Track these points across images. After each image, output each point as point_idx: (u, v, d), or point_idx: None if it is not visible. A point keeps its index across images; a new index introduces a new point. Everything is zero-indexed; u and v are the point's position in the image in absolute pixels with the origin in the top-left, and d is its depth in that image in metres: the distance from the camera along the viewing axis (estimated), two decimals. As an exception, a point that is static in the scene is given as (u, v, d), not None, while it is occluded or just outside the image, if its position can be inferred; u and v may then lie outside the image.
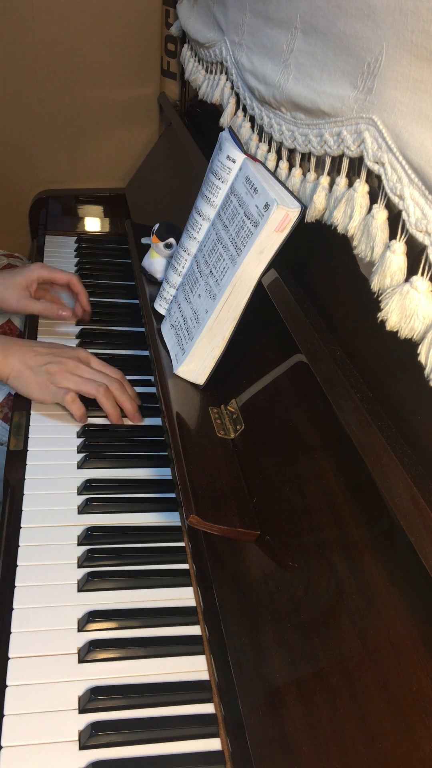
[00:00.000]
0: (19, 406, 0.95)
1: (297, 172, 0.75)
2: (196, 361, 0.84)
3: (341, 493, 0.60)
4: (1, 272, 1.09)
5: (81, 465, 0.87)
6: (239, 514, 0.68)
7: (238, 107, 0.97)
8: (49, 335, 1.12)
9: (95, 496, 0.82)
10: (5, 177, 1.56)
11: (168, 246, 1.02)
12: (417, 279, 0.50)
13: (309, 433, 0.67)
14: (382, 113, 0.54)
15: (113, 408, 0.92)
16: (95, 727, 0.59)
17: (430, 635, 0.47)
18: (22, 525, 0.78)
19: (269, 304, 0.75)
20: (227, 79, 1.00)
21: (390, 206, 0.54)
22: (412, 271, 0.52)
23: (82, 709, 0.61)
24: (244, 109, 0.93)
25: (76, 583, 0.72)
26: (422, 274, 0.49)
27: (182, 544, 0.79)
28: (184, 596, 0.73)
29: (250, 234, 0.73)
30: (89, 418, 0.95)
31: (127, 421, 0.95)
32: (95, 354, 1.08)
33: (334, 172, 0.65)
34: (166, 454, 0.91)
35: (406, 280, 0.51)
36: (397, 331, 0.51)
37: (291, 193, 0.72)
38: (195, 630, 0.69)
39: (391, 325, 0.52)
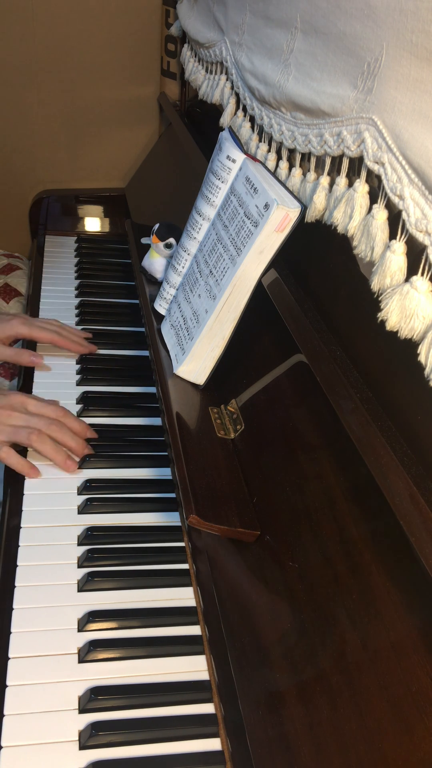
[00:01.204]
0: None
1: (297, 172, 0.75)
2: (196, 361, 0.84)
3: (341, 493, 0.60)
4: None
5: (81, 465, 0.87)
6: (239, 514, 0.68)
7: (238, 107, 0.97)
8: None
9: (95, 496, 0.82)
10: (5, 177, 1.56)
11: (168, 246, 1.02)
12: (417, 279, 0.50)
13: (309, 433, 0.67)
14: (382, 113, 0.54)
15: (53, 451, 0.85)
16: (95, 727, 0.59)
17: (430, 635, 0.47)
18: (22, 525, 0.78)
19: (269, 304, 0.75)
20: (227, 79, 1.00)
21: (390, 206, 0.54)
22: (412, 271, 0.52)
23: (82, 709, 0.61)
24: (244, 109, 0.93)
25: (76, 583, 0.72)
26: (422, 274, 0.49)
27: (182, 544, 0.78)
28: (184, 596, 0.73)
29: (250, 234, 0.73)
30: (88, 419, 0.95)
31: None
32: (95, 354, 1.09)
33: (334, 172, 0.65)
34: (166, 454, 0.91)
35: (406, 280, 0.51)
36: (397, 331, 0.51)
37: (291, 193, 0.72)
38: (195, 630, 0.69)
39: (391, 325, 0.52)
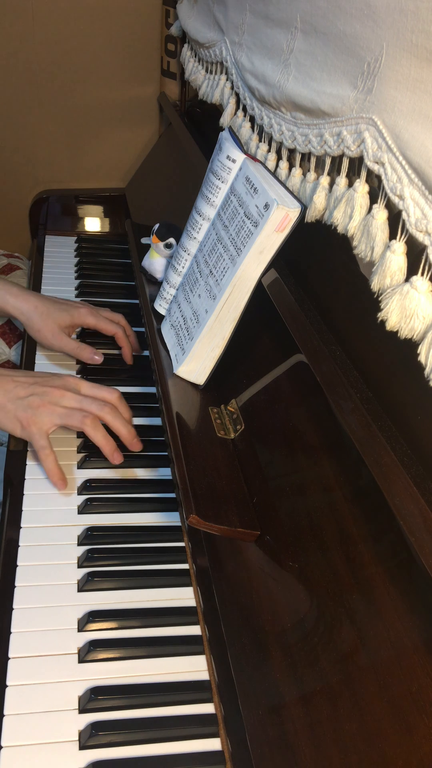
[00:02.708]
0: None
1: (297, 172, 0.75)
2: (196, 361, 0.84)
3: (341, 493, 0.60)
4: (48, 300, 1.02)
5: (81, 465, 0.87)
6: (239, 514, 0.68)
7: (238, 107, 0.97)
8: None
9: (95, 496, 0.82)
10: (5, 177, 1.56)
11: (168, 246, 1.02)
12: (417, 279, 0.50)
13: (309, 433, 0.67)
14: (382, 113, 0.54)
15: (104, 440, 0.82)
16: (95, 727, 0.59)
17: (430, 635, 0.47)
18: (22, 525, 0.78)
19: (269, 304, 0.75)
20: (227, 79, 1.00)
21: (390, 206, 0.54)
22: (412, 271, 0.52)
23: (82, 709, 0.61)
24: (244, 109, 0.93)
25: (76, 583, 0.72)
26: (422, 274, 0.49)
27: (182, 544, 0.78)
28: (184, 596, 0.73)
29: (250, 234, 0.73)
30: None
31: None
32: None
33: (334, 172, 0.65)
34: (166, 454, 0.91)
35: (406, 280, 0.51)
36: (397, 331, 0.51)
37: (291, 193, 0.72)
38: (195, 630, 0.69)
39: (391, 325, 0.52)
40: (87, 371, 1.05)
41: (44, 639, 0.66)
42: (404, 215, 0.50)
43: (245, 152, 0.81)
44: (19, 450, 0.88)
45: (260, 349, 0.83)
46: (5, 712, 0.60)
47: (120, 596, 0.72)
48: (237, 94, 0.96)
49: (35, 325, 1.00)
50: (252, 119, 0.89)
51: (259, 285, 0.76)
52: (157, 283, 1.05)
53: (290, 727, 0.53)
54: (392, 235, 0.54)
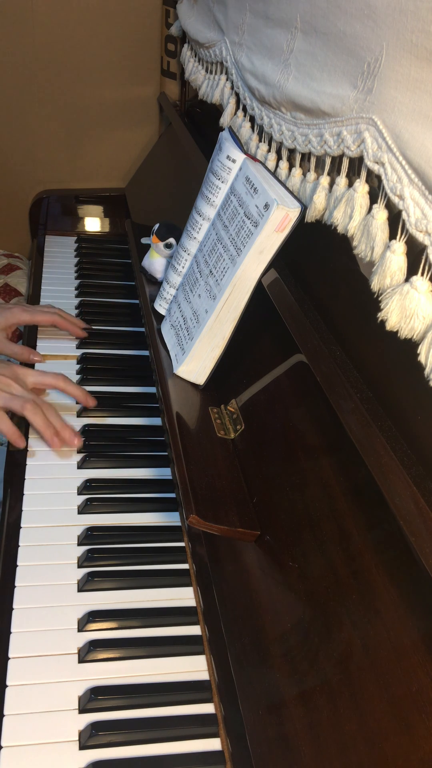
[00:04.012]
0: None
1: (297, 172, 0.75)
2: (196, 361, 0.84)
3: (341, 493, 0.60)
4: None
5: (81, 465, 0.87)
6: (239, 514, 0.68)
7: (238, 107, 0.97)
8: (49, 335, 1.12)
9: (95, 496, 0.82)
10: (5, 177, 1.56)
11: (168, 246, 1.02)
12: (417, 279, 0.50)
13: (309, 433, 0.67)
14: (382, 113, 0.54)
15: (44, 424, 0.86)
16: (95, 727, 0.59)
17: (430, 635, 0.47)
18: (22, 525, 0.78)
19: (269, 304, 0.75)
20: (227, 79, 1.00)
21: (390, 206, 0.54)
22: (412, 271, 0.52)
23: (82, 709, 0.61)
24: (244, 109, 0.93)
25: (76, 583, 0.72)
26: (422, 274, 0.49)
27: (182, 544, 0.78)
28: (184, 596, 0.73)
29: (250, 234, 0.73)
30: (87, 418, 0.95)
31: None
32: (95, 354, 1.09)
33: (334, 172, 0.65)
34: (166, 454, 0.91)
35: (406, 280, 0.51)
36: (397, 331, 0.51)
37: (291, 193, 0.72)
38: (195, 630, 0.69)
39: (391, 325, 0.52)
40: (87, 371, 1.05)
41: (44, 639, 0.66)
42: (404, 215, 0.50)
43: (245, 152, 0.81)
44: (19, 450, 0.88)
45: (260, 349, 0.83)
46: (5, 712, 0.60)
47: (120, 596, 0.72)
48: (237, 94, 0.96)
49: None
50: (252, 119, 0.89)
51: (259, 285, 0.76)
52: (157, 283, 1.05)
53: (290, 727, 0.53)
54: (392, 235, 0.54)
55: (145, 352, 1.12)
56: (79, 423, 0.94)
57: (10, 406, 0.87)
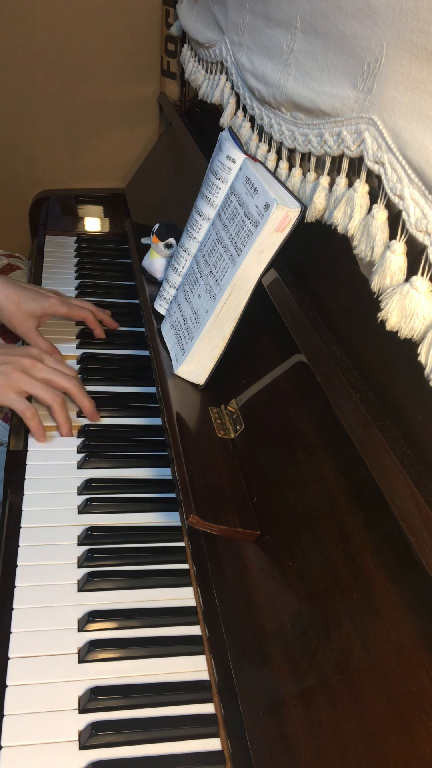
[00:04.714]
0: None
1: (297, 172, 0.75)
2: (196, 361, 0.84)
3: (341, 493, 0.60)
4: (20, 287, 1.05)
5: (81, 465, 0.87)
6: (239, 514, 0.68)
7: (238, 107, 0.97)
8: (49, 334, 1.12)
9: (95, 496, 0.82)
10: (5, 177, 1.56)
11: (168, 246, 1.02)
12: (417, 279, 0.50)
13: (309, 433, 0.67)
14: (382, 113, 0.54)
15: (66, 421, 0.90)
16: (95, 727, 0.59)
17: (430, 635, 0.47)
18: (22, 525, 0.78)
19: (269, 304, 0.75)
20: (227, 79, 1.00)
21: (390, 206, 0.54)
22: (412, 271, 0.52)
23: (82, 709, 0.61)
24: (244, 109, 0.93)
25: (76, 583, 0.72)
26: (422, 274, 0.49)
27: (182, 544, 0.78)
28: (184, 596, 0.73)
29: (250, 234, 0.73)
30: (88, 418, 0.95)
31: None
32: (95, 354, 1.09)
33: (334, 172, 0.65)
34: (166, 454, 0.91)
35: (406, 280, 0.51)
36: (397, 331, 0.51)
37: (291, 193, 0.72)
38: (195, 630, 0.69)
39: (391, 325, 0.52)
40: (87, 371, 1.05)
41: (44, 639, 0.66)
42: (404, 215, 0.50)
43: (245, 152, 0.81)
44: (19, 450, 0.88)
45: (260, 349, 0.83)
46: (5, 712, 0.60)
47: (120, 596, 0.72)
48: (237, 94, 0.96)
49: (5, 314, 1.03)
50: (252, 119, 0.89)
51: (259, 285, 0.76)
52: (157, 283, 1.05)
53: (290, 727, 0.53)
54: (392, 235, 0.54)
55: (145, 352, 1.12)
56: (79, 423, 0.94)
57: (39, 395, 0.89)
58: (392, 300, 0.51)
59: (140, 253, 1.11)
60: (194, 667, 0.66)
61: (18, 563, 0.73)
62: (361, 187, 0.58)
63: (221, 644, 0.65)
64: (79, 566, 0.74)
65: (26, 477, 0.84)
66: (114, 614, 0.69)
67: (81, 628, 0.68)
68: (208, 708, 0.63)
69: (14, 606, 0.69)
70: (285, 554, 0.63)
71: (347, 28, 0.59)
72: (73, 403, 0.94)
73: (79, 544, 0.76)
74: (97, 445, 0.90)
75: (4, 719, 0.59)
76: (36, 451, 0.88)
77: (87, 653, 0.65)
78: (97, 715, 0.61)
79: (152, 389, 1.03)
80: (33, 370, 0.90)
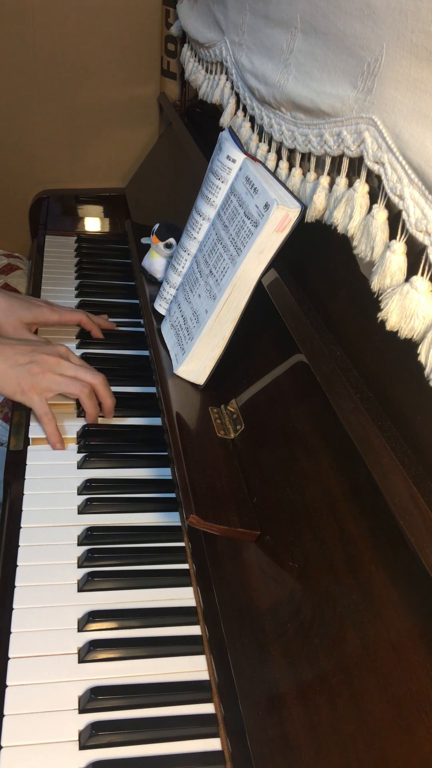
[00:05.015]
0: (19, 406, 0.95)
1: (297, 172, 0.75)
2: (196, 361, 0.84)
3: (341, 493, 0.60)
4: (10, 296, 1.05)
5: (81, 465, 0.87)
6: (239, 514, 0.68)
7: (238, 107, 0.97)
8: (48, 334, 1.12)
9: (95, 496, 0.82)
10: (5, 177, 1.56)
11: (168, 246, 1.02)
12: (417, 279, 0.50)
13: (309, 433, 0.67)
14: (382, 113, 0.54)
15: (94, 409, 0.92)
16: (95, 727, 0.59)
17: (430, 635, 0.47)
18: (22, 525, 0.78)
19: (269, 304, 0.75)
20: (227, 79, 1.00)
21: (390, 206, 0.54)
22: (412, 271, 0.52)
23: (82, 709, 0.61)
24: (244, 109, 0.93)
25: (76, 583, 0.72)
26: (422, 274, 0.49)
27: (182, 544, 0.78)
28: (184, 596, 0.73)
29: (250, 234, 0.73)
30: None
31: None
32: (95, 354, 1.09)
33: (334, 172, 0.65)
34: (166, 454, 0.91)
35: (406, 280, 0.51)
36: (397, 331, 0.51)
37: (291, 193, 0.72)
38: (195, 630, 0.69)
39: (391, 325, 0.52)
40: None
41: (44, 639, 0.66)
42: (404, 215, 0.50)
43: (245, 152, 0.81)
44: (19, 450, 0.88)
45: (260, 349, 0.83)
46: (5, 712, 0.60)
47: (120, 596, 0.72)
48: (237, 94, 0.96)
49: None
50: (252, 119, 0.89)
51: (259, 285, 0.76)
52: (157, 283, 1.05)
53: (290, 727, 0.53)
54: (392, 235, 0.54)
55: (145, 352, 1.12)
56: (78, 423, 0.94)
57: (66, 390, 0.90)
58: (392, 300, 0.51)
59: (140, 253, 1.11)
60: (194, 667, 0.66)
61: (18, 563, 0.73)
62: (361, 187, 0.58)
63: (221, 644, 0.65)
64: (79, 566, 0.74)
65: (26, 477, 0.84)
66: (114, 614, 0.69)
67: (81, 628, 0.68)
68: (208, 708, 0.63)
69: (14, 606, 0.69)
70: (285, 554, 0.63)
71: (347, 28, 0.59)
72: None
73: (79, 544, 0.76)
74: (97, 445, 0.90)
75: (4, 719, 0.59)
76: (36, 451, 0.88)
77: (87, 653, 0.65)
78: (97, 715, 0.61)
79: (152, 389, 1.03)
80: (58, 368, 0.90)
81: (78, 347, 1.10)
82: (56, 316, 1.08)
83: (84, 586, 0.71)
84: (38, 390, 0.88)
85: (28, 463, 0.86)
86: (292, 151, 0.75)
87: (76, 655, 0.65)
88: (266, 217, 0.70)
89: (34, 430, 0.91)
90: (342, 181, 0.62)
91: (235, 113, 0.97)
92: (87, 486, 0.83)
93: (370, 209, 0.57)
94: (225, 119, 0.99)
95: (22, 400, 0.89)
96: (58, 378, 0.89)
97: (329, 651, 0.53)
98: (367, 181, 0.58)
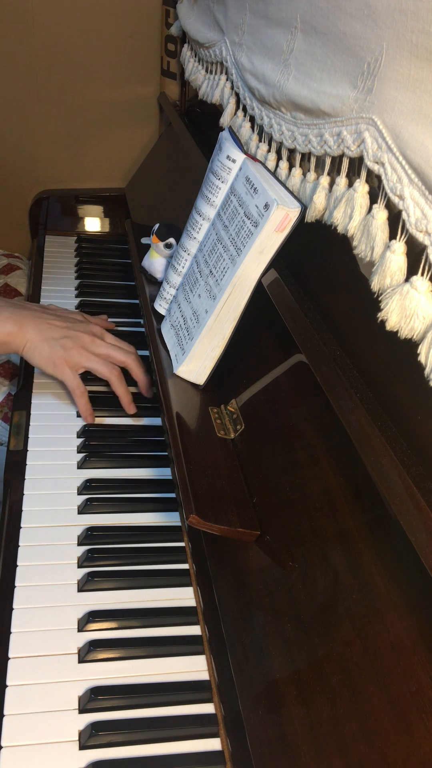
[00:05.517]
0: (19, 405, 0.95)
1: (297, 172, 0.75)
2: (196, 361, 0.84)
3: (341, 493, 0.60)
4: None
5: (81, 465, 0.87)
6: (239, 514, 0.68)
7: (238, 107, 0.97)
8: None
9: (95, 496, 0.82)
10: (5, 177, 1.56)
11: (168, 246, 1.02)
12: (417, 279, 0.50)
13: (309, 433, 0.67)
14: (382, 113, 0.54)
15: (125, 392, 0.93)
16: (95, 727, 0.59)
17: (430, 635, 0.47)
18: (22, 525, 0.78)
19: (269, 304, 0.75)
20: (227, 79, 1.00)
21: (390, 206, 0.54)
22: (412, 271, 0.52)
23: (82, 709, 0.61)
24: (244, 109, 0.93)
25: (76, 583, 0.72)
26: (422, 274, 0.49)
27: (182, 544, 0.79)
28: (184, 596, 0.73)
29: (250, 234, 0.73)
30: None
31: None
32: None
33: (334, 172, 0.65)
34: (166, 454, 0.91)
35: (406, 280, 0.51)
36: (397, 331, 0.51)
37: (291, 193, 0.72)
38: (195, 630, 0.69)
39: (391, 325, 0.52)
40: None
41: (44, 639, 0.66)
42: (404, 215, 0.50)
43: (245, 152, 0.81)
44: (19, 450, 0.88)
45: (260, 349, 0.83)
46: (5, 712, 0.60)
47: (120, 596, 0.72)
48: (237, 94, 0.96)
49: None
50: (252, 119, 0.89)
51: (259, 285, 0.76)
52: (157, 283, 1.05)
53: (290, 727, 0.53)
54: (392, 235, 0.54)
55: (145, 352, 1.11)
56: (78, 423, 0.94)
57: (97, 369, 0.91)
58: (392, 300, 0.51)
59: (140, 253, 1.11)
60: (194, 667, 0.66)
61: (18, 563, 0.73)
62: (361, 187, 0.58)
63: (221, 644, 0.65)
64: (79, 566, 0.74)
65: (26, 477, 0.84)
66: (114, 614, 0.69)
67: (81, 628, 0.68)
68: (208, 708, 0.63)
69: (14, 606, 0.69)
70: (285, 554, 0.63)
71: (347, 28, 0.59)
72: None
73: (79, 544, 0.76)
74: (97, 445, 0.90)
75: (4, 719, 0.59)
76: (36, 451, 0.88)
77: (87, 653, 0.65)
78: (97, 715, 0.61)
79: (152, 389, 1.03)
80: (92, 346, 0.92)
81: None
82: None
83: (84, 586, 0.71)
84: (71, 364, 0.91)
85: (28, 463, 0.86)
86: (292, 151, 0.75)
87: (76, 655, 0.65)
88: (266, 217, 0.70)
89: (35, 430, 0.91)
90: (342, 181, 0.62)
91: (235, 113, 0.97)
92: (87, 486, 0.83)
93: (370, 209, 0.57)
94: (225, 119, 0.99)
95: (54, 373, 0.91)
96: (90, 355, 0.91)
97: (329, 651, 0.53)
98: (367, 181, 0.58)
